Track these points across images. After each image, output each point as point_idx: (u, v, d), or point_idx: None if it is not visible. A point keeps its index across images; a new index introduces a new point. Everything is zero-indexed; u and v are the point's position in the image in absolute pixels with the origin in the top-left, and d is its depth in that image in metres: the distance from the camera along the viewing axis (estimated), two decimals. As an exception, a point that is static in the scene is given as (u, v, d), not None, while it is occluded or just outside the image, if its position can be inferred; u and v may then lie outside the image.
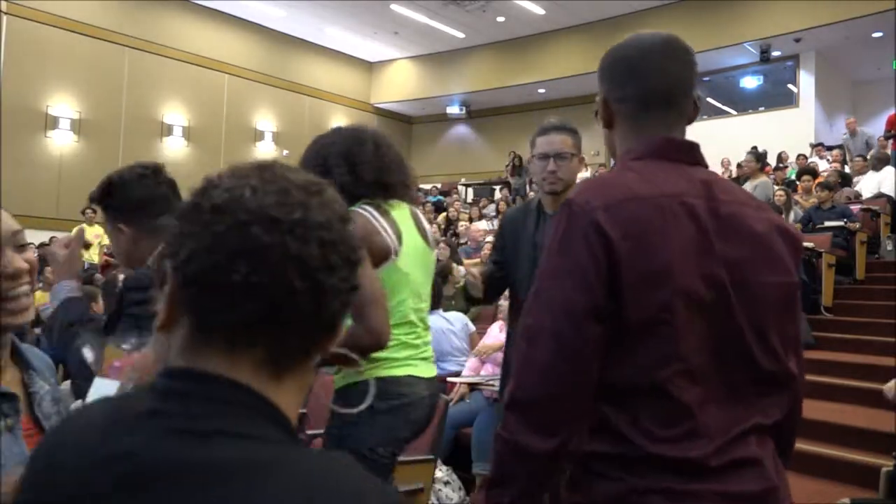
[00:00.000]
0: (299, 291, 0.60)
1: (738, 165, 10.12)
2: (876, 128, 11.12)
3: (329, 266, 0.62)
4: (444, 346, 4.51)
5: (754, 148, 9.67)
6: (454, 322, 4.72)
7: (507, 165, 15.57)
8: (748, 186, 6.88)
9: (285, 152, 16.75)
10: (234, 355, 0.62)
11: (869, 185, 8.72)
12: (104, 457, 0.59)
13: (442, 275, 6.09)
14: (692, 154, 1.14)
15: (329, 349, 0.67)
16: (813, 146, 11.62)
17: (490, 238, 8.24)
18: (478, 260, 7.69)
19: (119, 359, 1.19)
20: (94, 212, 8.56)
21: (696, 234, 1.03)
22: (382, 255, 1.88)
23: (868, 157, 9.53)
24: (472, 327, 4.83)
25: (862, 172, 9.16)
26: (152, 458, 0.58)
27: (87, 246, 3.99)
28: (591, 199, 1.02)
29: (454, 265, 6.95)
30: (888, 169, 8.56)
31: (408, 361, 1.93)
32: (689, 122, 1.18)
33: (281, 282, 0.60)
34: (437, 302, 4.71)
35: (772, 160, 10.88)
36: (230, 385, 0.61)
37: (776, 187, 8.18)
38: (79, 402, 1.27)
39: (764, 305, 1.06)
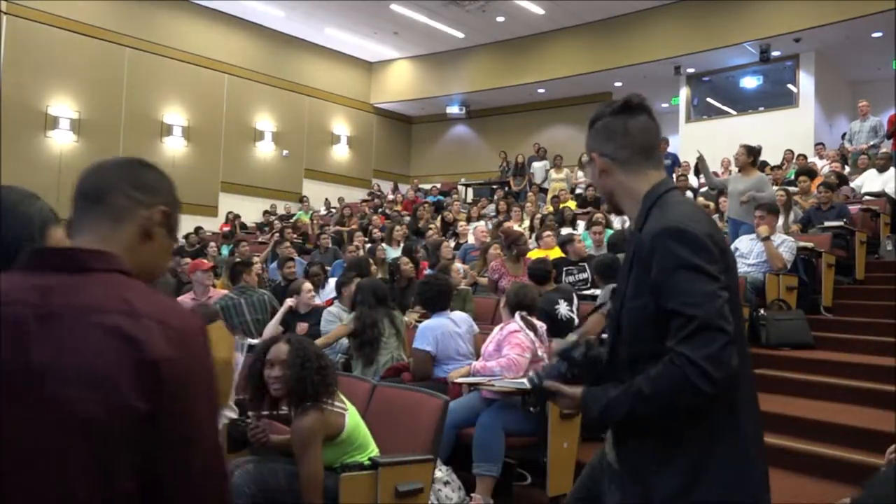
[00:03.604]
0: None
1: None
2: (876, 128, 11.08)
3: None
4: (449, 351, 4.34)
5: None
6: (460, 324, 4.49)
7: (500, 166, 15.52)
8: (745, 181, 6.79)
9: (285, 152, 16.73)
10: None
11: (872, 184, 8.71)
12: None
13: (444, 271, 6.02)
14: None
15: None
16: (816, 146, 11.62)
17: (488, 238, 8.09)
18: (476, 260, 7.57)
19: None
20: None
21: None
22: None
23: (868, 148, 9.57)
24: (477, 328, 4.64)
25: (863, 170, 9.16)
26: None
27: None
28: None
29: (454, 264, 6.87)
30: (892, 171, 8.55)
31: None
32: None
33: None
34: (445, 304, 4.58)
35: (772, 160, 10.87)
36: None
37: (776, 188, 8.16)
38: None
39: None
